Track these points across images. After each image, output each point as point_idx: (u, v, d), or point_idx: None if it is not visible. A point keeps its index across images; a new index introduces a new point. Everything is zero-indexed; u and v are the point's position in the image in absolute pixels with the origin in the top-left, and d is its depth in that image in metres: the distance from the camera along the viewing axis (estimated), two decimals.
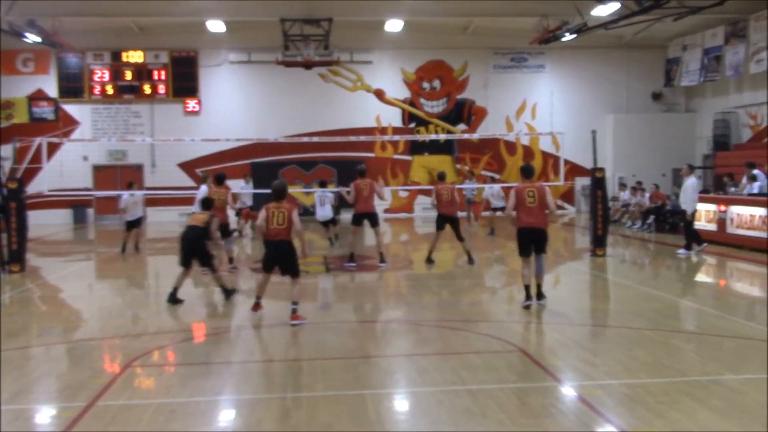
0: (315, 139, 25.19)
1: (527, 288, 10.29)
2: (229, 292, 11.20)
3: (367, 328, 9.56)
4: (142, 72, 28.24)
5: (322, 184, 19.47)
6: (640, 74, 30.01)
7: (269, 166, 28.17)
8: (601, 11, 22.69)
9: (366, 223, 14.57)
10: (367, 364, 7.67)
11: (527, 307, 10.19)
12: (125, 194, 17.78)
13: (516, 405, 6.17)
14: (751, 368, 7.25)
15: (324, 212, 18.53)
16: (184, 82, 28.48)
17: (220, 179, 14.58)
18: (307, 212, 24.06)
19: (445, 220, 14.71)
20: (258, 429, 5.78)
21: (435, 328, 9.33)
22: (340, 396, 6.52)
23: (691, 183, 15.93)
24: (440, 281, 13.59)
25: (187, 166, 28.25)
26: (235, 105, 28.71)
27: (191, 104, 28.63)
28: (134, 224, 17.63)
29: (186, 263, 10.94)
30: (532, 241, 10.27)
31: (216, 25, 26.26)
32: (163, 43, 28.08)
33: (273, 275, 9.86)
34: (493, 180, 25.46)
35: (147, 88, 28.25)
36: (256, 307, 9.92)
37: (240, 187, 20.62)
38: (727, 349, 8.15)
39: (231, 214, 17.15)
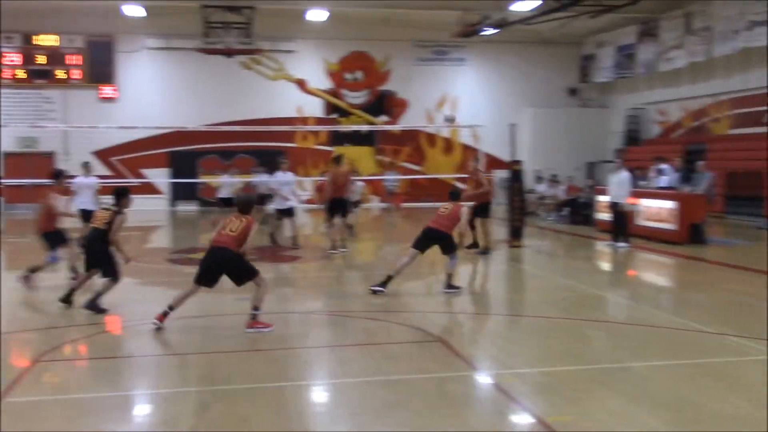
0: (235, 128, 24.88)
1: (390, 277, 10.59)
2: (97, 307, 9.34)
3: (286, 319, 9.50)
4: (56, 56, 27.23)
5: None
6: (558, 70, 30.73)
7: (188, 155, 27.71)
8: (522, 6, 23.12)
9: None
10: (286, 355, 7.64)
11: (374, 292, 10.43)
12: (79, 177, 15.44)
13: (435, 394, 6.27)
14: (657, 355, 7.55)
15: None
16: (101, 67, 27.61)
17: (54, 175, 11.91)
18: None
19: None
20: (175, 423, 5.68)
21: (355, 318, 9.36)
22: (260, 388, 6.48)
23: (626, 176, 16.34)
24: (360, 272, 13.63)
25: (103, 155, 27.46)
26: (154, 92, 28.01)
27: (108, 91, 27.79)
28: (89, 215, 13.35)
29: (88, 268, 9.74)
30: (428, 240, 10.87)
31: (134, 10, 25.54)
32: (78, 27, 27.13)
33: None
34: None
35: (60, 73, 27.28)
36: (163, 317, 8.43)
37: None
38: (634, 337, 8.46)
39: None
